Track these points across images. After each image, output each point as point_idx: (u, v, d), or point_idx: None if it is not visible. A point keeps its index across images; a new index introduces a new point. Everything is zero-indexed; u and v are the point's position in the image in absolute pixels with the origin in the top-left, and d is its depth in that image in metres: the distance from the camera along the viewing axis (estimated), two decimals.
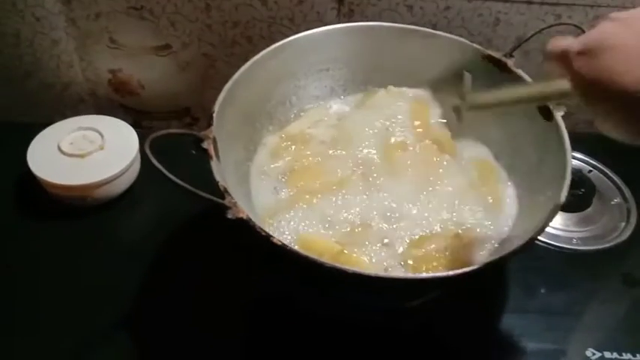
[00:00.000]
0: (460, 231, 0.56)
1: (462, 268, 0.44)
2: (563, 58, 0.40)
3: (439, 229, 0.56)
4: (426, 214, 0.57)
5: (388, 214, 0.57)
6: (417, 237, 0.55)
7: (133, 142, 0.71)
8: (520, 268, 0.63)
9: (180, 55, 0.78)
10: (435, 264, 0.53)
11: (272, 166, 0.61)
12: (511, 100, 0.51)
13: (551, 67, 0.43)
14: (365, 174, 0.60)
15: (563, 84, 0.42)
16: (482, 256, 0.54)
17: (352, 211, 0.57)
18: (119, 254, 0.66)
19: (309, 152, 0.62)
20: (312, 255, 0.45)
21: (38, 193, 0.69)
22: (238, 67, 0.59)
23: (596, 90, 0.38)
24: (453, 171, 0.62)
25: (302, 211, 0.57)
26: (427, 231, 0.56)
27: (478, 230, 0.57)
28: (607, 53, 0.37)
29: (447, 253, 0.54)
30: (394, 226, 0.56)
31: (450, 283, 0.48)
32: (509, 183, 0.62)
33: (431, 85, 0.67)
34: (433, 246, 0.54)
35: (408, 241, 0.55)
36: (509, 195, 0.61)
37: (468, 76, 0.58)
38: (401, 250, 0.54)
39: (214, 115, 0.53)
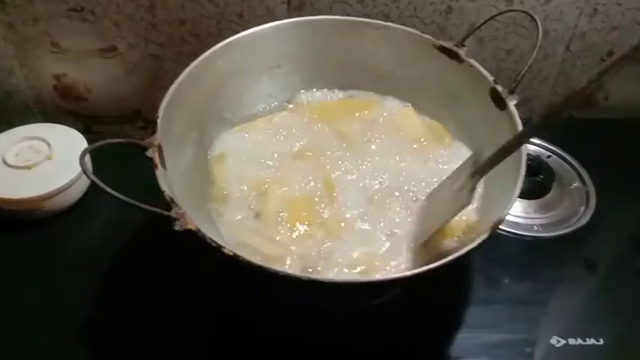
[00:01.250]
0: None
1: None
2: None
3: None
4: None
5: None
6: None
7: (82, 150, 0.68)
8: (482, 259, 0.63)
9: (127, 56, 0.75)
10: None
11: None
12: None
13: None
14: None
15: None
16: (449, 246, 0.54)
17: None
18: (72, 268, 0.63)
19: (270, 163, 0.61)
20: (267, 264, 0.43)
21: None
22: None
23: None
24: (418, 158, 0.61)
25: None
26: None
27: None
28: None
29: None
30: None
31: (408, 283, 0.47)
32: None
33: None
34: None
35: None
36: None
37: None
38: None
39: (158, 120, 0.51)
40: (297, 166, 0.60)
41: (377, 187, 0.59)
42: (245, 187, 0.58)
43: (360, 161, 0.61)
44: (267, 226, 0.55)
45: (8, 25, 0.71)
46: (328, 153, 0.62)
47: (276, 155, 0.61)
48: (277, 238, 0.54)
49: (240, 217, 0.56)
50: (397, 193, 0.58)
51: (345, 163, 0.61)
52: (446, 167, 0.60)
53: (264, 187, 0.58)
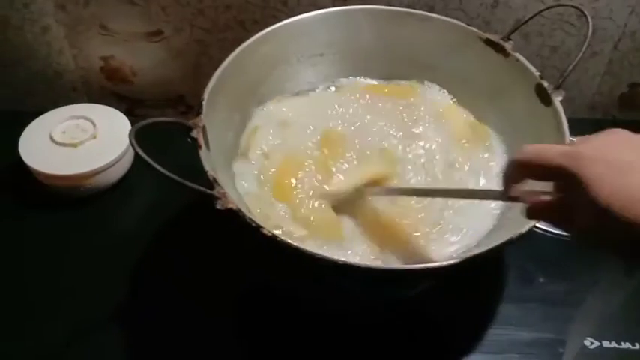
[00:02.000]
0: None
1: None
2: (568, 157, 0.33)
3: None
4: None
5: None
6: None
7: (126, 130, 0.70)
8: (518, 256, 0.63)
9: (173, 41, 0.77)
10: None
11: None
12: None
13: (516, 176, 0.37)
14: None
15: None
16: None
17: None
18: (114, 244, 0.65)
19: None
20: (304, 246, 0.44)
21: (30, 183, 0.68)
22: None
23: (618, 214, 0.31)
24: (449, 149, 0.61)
25: None
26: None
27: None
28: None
29: None
30: None
31: (442, 273, 0.47)
32: None
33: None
34: None
35: None
36: None
37: None
38: None
39: (204, 103, 0.52)
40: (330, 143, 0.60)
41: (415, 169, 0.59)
42: (266, 158, 0.59)
43: (402, 141, 0.61)
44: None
45: (60, 6, 0.73)
46: (362, 126, 0.61)
47: (310, 127, 0.61)
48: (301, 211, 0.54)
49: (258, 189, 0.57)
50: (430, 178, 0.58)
51: (386, 137, 0.61)
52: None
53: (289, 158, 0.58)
